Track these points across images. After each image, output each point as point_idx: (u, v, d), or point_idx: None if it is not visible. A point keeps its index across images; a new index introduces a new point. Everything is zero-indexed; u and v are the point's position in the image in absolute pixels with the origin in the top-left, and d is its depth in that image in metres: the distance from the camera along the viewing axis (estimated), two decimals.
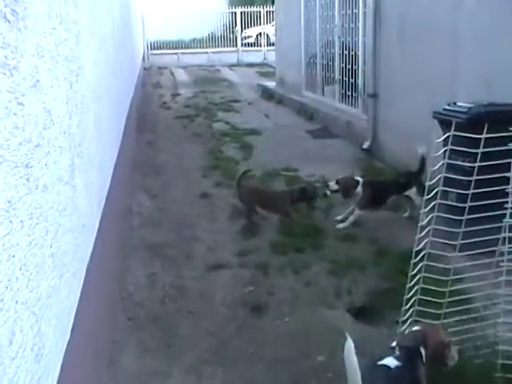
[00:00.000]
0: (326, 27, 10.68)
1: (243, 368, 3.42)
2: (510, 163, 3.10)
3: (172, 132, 10.18)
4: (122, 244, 4.99)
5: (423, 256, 3.07)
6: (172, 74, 19.78)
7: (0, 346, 1.47)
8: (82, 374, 2.60)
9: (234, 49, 24.12)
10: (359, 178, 5.55)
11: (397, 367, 2.56)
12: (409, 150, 6.56)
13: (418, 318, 3.15)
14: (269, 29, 23.42)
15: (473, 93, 5.36)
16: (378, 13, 7.72)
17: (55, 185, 2.21)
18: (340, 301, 4.13)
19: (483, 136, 3.04)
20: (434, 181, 3.07)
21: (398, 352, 2.66)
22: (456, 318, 3.19)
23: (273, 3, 16.91)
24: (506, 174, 3.11)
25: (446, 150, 3.13)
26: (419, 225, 3.06)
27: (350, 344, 2.46)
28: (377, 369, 2.58)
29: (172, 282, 4.47)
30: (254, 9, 25.14)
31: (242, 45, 24.24)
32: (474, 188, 3.10)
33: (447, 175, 3.15)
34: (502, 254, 3.11)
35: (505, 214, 3.07)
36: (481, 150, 3.07)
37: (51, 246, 2.08)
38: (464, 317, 3.24)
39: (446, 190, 3.18)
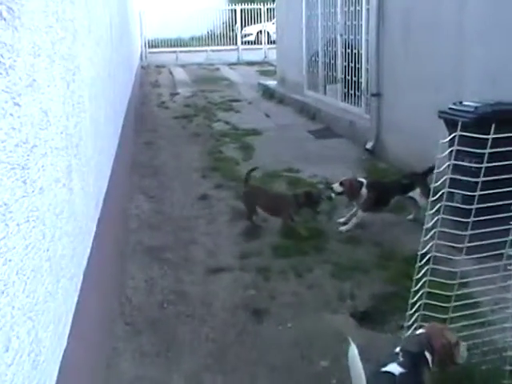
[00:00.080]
0: (328, 25, 10.69)
1: (244, 375, 3.41)
2: None
3: (170, 132, 10.18)
4: (120, 247, 4.99)
5: (428, 259, 3.07)
6: (170, 72, 19.79)
7: None
8: (79, 381, 2.60)
9: (234, 47, 24.14)
10: (363, 180, 5.54)
11: (401, 374, 2.54)
12: (413, 150, 6.57)
13: (423, 323, 3.14)
14: (269, 26, 23.46)
15: (478, 91, 5.37)
16: (382, 10, 7.73)
17: (52, 187, 2.21)
18: (343, 305, 4.13)
19: (490, 136, 3.03)
20: (439, 182, 3.07)
21: (401, 358, 2.64)
22: (463, 323, 3.19)
23: (273, 0, 16.94)
24: None
25: (451, 151, 3.12)
26: (424, 227, 3.06)
27: (353, 350, 2.45)
28: (380, 376, 2.57)
29: (171, 286, 4.47)
30: (255, 6, 25.13)
31: (242, 43, 24.27)
32: (481, 189, 3.09)
33: (453, 176, 3.14)
34: (509, 256, 3.11)
35: None
36: (488, 150, 3.06)
37: (48, 250, 2.08)
38: (471, 322, 3.24)
39: (451, 192, 3.18)
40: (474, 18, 5.71)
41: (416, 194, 5.39)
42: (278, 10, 14.58)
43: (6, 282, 1.56)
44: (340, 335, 3.52)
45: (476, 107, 4.52)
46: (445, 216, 3.07)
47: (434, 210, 3.07)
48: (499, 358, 3.12)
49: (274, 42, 16.82)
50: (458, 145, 3.05)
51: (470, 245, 3.12)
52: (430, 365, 2.65)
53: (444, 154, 3.12)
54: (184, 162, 8.10)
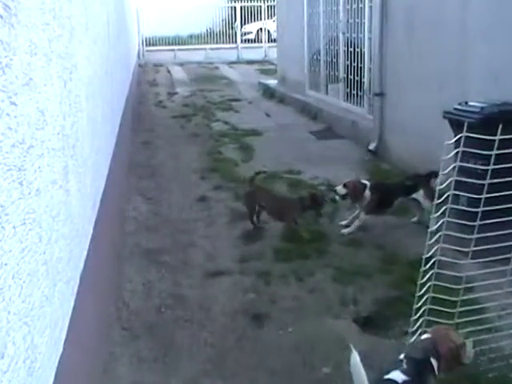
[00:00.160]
0: (330, 23, 10.69)
1: (243, 381, 3.41)
2: None
3: (169, 132, 10.18)
4: (117, 250, 4.98)
5: (433, 263, 3.07)
6: (168, 71, 19.79)
7: None
8: None
9: (234, 45, 24.11)
10: (366, 182, 5.54)
11: (405, 382, 2.53)
12: (417, 151, 6.57)
13: (427, 329, 3.13)
14: (270, 24, 23.48)
15: (483, 90, 5.38)
16: (385, 7, 7.72)
17: (49, 188, 2.21)
18: (346, 310, 4.13)
19: (497, 137, 3.03)
20: (444, 184, 3.06)
21: (405, 365, 2.63)
22: (468, 329, 3.18)
23: None
24: None
25: (457, 152, 3.12)
26: (429, 230, 3.06)
27: (356, 356, 2.45)
28: None
29: (169, 289, 4.47)
30: (255, 3, 25.14)
31: (241, 41, 24.24)
32: (487, 192, 3.09)
33: (458, 178, 3.14)
34: None
35: None
36: (495, 151, 3.06)
37: (44, 253, 2.08)
38: (477, 328, 3.23)
39: (457, 194, 3.18)
40: (477, 16, 5.72)
41: (419, 195, 5.40)
42: (279, 7, 14.59)
43: (2, 286, 1.55)
44: (342, 341, 3.51)
45: (482, 107, 4.51)
46: (450, 219, 3.07)
47: (439, 213, 3.07)
48: (506, 365, 3.12)
49: (275, 41, 16.85)
50: (464, 146, 3.05)
51: (475, 249, 3.12)
52: (436, 372, 2.63)
53: (449, 156, 3.12)
54: (182, 162, 8.09)
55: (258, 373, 3.46)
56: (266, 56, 22.68)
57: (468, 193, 3.40)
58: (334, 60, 10.56)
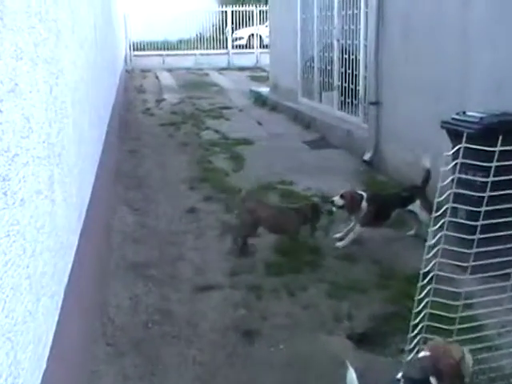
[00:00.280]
0: (324, 29, 10.74)
1: None
2: None
3: (156, 140, 10.18)
4: (103, 263, 4.96)
5: (431, 278, 3.07)
6: (156, 77, 19.82)
7: None
8: None
9: (225, 51, 24.20)
10: (363, 193, 5.54)
11: None
12: (413, 162, 6.59)
13: (424, 346, 3.14)
14: (262, 30, 23.57)
15: (483, 100, 5.40)
16: (381, 13, 7.76)
17: (33, 198, 2.20)
18: (340, 326, 4.12)
19: (497, 149, 3.05)
20: (443, 197, 3.07)
21: None
22: (467, 347, 3.18)
23: (266, 2, 17.04)
24: None
25: (455, 164, 3.13)
26: (427, 244, 3.06)
27: (351, 374, 2.45)
28: None
29: (156, 304, 4.44)
30: (246, 8, 25.24)
31: (232, 47, 24.33)
32: (487, 205, 3.10)
33: (457, 191, 3.15)
34: None
35: None
36: (494, 163, 3.08)
37: (28, 266, 2.07)
38: (476, 346, 3.23)
39: (455, 207, 3.19)
40: (479, 21, 5.72)
41: (416, 206, 5.40)
42: (272, 12, 14.65)
43: None
44: (336, 358, 3.50)
45: (481, 118, 4.53)
46: (448, 232, 3.07)
47: (437, 226, 3.08)
48: None
49: (267, 47, 16.91)
50: (463, 157, 3.06)
51: (475, 263, 3.13)
52: None
53: (448, 168, 3.13)
54: (171, 172, 8.09)
55: None
56: (257, 62, 22.77)
57: (467, 205, 3.42)
58: (329, 67, 10.60)
